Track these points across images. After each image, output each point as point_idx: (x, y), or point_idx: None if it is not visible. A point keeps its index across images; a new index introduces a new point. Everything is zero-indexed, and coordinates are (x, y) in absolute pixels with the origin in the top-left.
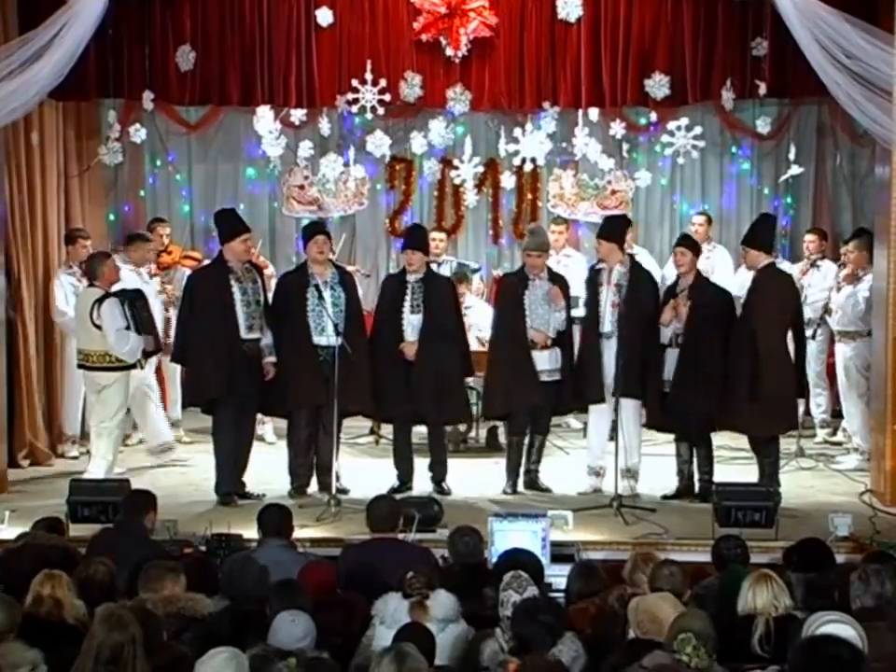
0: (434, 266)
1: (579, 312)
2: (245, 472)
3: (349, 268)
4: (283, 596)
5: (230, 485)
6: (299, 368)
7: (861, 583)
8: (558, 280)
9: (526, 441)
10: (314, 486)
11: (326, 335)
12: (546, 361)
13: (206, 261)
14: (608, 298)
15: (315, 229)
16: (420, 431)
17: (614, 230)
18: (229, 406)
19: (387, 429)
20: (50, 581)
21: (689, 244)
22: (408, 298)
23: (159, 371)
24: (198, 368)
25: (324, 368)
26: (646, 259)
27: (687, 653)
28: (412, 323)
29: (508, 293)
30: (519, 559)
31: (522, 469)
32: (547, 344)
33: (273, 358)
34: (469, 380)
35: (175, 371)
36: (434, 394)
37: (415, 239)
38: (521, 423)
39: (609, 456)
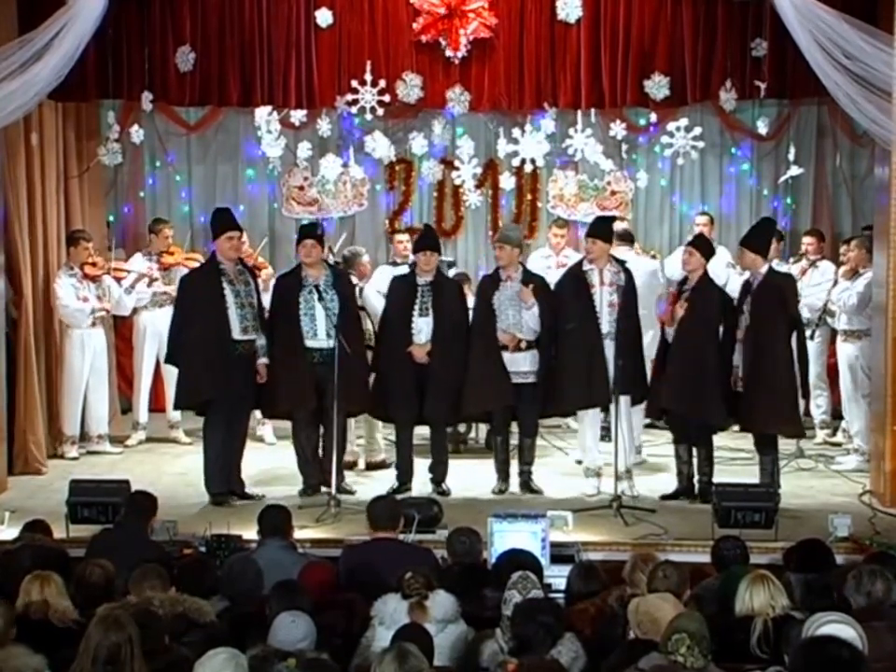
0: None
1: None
2: (242, 472)
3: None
4: (283, 597)
5: (220, 485)
6: (290, 371)
7: (853, 581)
8: (535, 279)
9: (515, 442)
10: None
11: (318, 338)
12: (518, 363)
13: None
14: (603, 298)
15: (305, 232)
16: (421, 432)
17: (608, 230)
18: (220, 407)
19: (387, 430)
20: (38, 581)
21: (698, 244)
22: (418, 301)
23: (158, 371)
24: (189, 371)
25: (318, 370)
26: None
27: (682, 654)
28: (421, 326)
29: (481, 294)
30: (518, 560)
31: (516, 471)
32: (520, 347)
33: (265, 360)
34: None
35: (174, 372)
36: (449, 395)
37: (432, 240)
38: (500, 422)
39: (604, 456)
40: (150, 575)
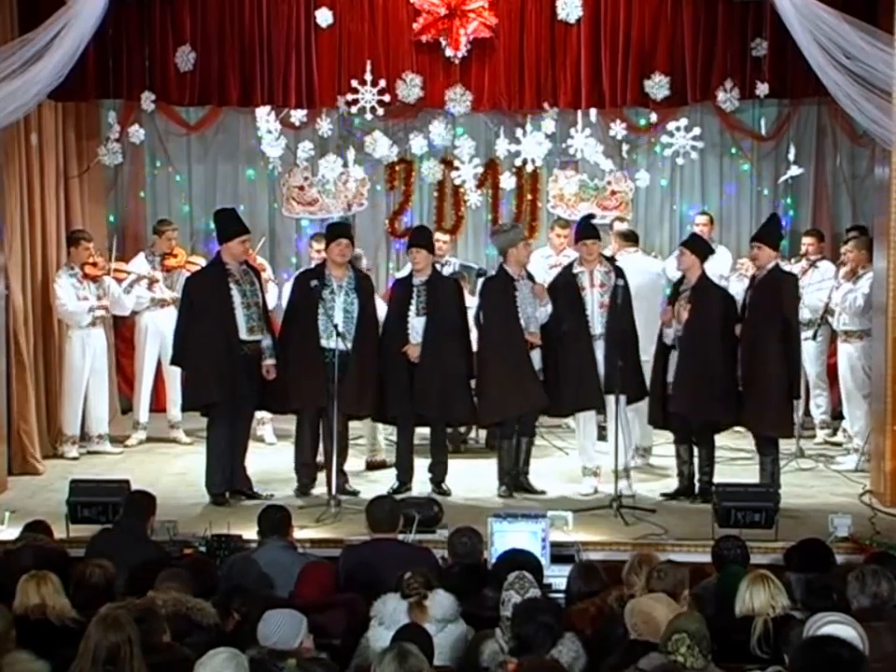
0: (437, 266)
1: None
2: (247, 471)
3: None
4: (252, 603)
5: (221, 485)
6: (304, 370)
7: (857, 583)
8: (533, 277)
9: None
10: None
11: (333, 339)
12: (537, 361)
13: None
14: (594, 299)
15: (340, 231)
16: (421, 432)
17: (597, 229)
18: (225, 407)
19: (387, 431)
20: (35, 581)
21: (691, 244)
22: (413, 300)
23: (159, 371)
24: (196, 372)
25: (329, 371)
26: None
27: (682, 654)
28: (416, 325)
29: (502, 294)
30: (518, 559)
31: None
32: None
33: (272, 361)
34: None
35: (175, 373)
36: (439, 395)
37: (420, 238)
38: (511, 426)
39: (601, 456)
40: (177, 578)
